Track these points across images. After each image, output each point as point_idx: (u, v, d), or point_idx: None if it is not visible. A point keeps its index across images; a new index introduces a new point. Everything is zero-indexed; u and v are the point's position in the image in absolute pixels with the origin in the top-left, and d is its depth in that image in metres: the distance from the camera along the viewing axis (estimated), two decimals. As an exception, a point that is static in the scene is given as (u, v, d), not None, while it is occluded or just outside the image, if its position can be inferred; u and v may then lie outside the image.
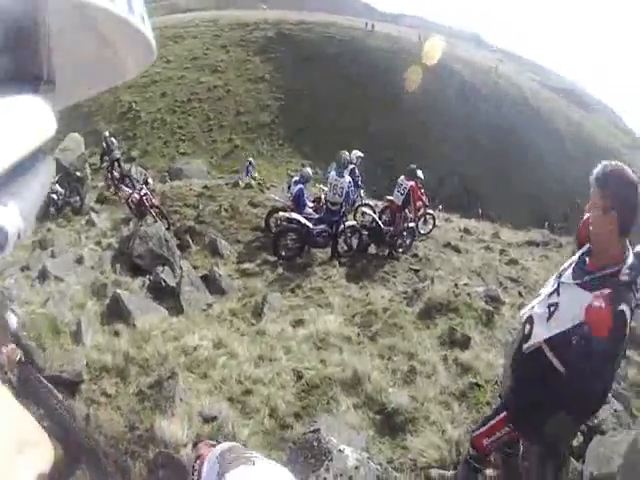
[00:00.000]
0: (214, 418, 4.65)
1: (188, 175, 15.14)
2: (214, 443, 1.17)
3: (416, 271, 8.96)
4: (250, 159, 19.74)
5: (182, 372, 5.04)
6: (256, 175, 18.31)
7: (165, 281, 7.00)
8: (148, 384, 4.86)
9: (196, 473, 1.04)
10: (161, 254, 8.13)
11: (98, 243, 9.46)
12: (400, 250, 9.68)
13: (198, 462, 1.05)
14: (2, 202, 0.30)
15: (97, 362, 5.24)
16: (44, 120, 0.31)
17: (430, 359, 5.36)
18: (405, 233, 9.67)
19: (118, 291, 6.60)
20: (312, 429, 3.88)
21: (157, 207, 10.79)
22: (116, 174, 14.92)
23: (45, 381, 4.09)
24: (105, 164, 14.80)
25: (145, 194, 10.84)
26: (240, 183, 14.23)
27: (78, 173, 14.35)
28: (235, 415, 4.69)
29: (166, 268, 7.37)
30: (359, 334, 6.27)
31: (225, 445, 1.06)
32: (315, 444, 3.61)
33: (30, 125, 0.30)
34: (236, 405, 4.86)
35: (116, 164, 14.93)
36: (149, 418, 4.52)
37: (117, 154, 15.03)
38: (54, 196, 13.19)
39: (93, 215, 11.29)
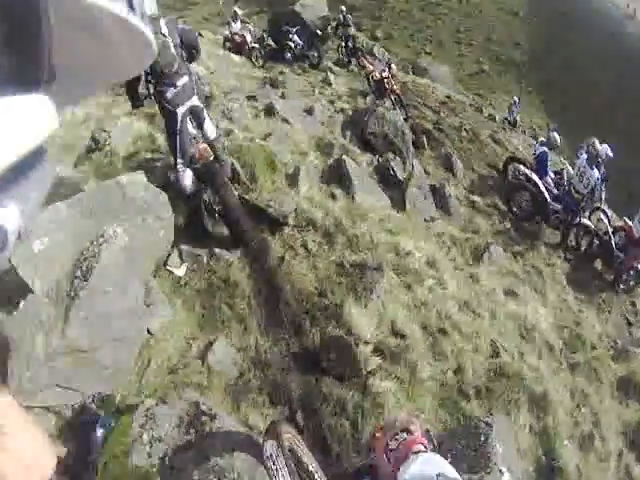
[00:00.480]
0: (403, 336, 4.09)
1: (432, 78, 13.91)
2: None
3: (629, 323, 7.22)
4: (515, 98, 17.76)
5: (388, 270, 4.46)
6: (517, 118, 16.60)
7: (394, 170, 6.30)
8: (352, 262, 4.40)
9: None
10: (394, 142, 7.41)
11: (331, 102, 9.08)
12: (621, 287, 7.82)
13: None
14: (2, 202, 0.30)
15: (306, 213, 4.94)
16: (44, 120, 0.32)
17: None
18: (632, 272, 7.75)
19: (345, 157, 6.13)
20: (485, 420, 3.32)
21: (397, 94, 9.93)
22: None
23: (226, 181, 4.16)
24: (339, 33, 14.15)
25: (387, 77, 10.02)
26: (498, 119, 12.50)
27: (319, 31, 14.00)
28: (422, 348, 4.04)
29: (397, 158, 6.68)
30: (561, 351, 5.38)
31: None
32: (480, 442, 3.17)
33: (30, 125, 0.31)
34: (427, 337, 4.18)
35: (350, 40, 14.15)
36: (341, 295, 4.12)
37: (351, 30, 14.15)
38: (291, 44, 13.12)
39: (330, 75, 10.91)
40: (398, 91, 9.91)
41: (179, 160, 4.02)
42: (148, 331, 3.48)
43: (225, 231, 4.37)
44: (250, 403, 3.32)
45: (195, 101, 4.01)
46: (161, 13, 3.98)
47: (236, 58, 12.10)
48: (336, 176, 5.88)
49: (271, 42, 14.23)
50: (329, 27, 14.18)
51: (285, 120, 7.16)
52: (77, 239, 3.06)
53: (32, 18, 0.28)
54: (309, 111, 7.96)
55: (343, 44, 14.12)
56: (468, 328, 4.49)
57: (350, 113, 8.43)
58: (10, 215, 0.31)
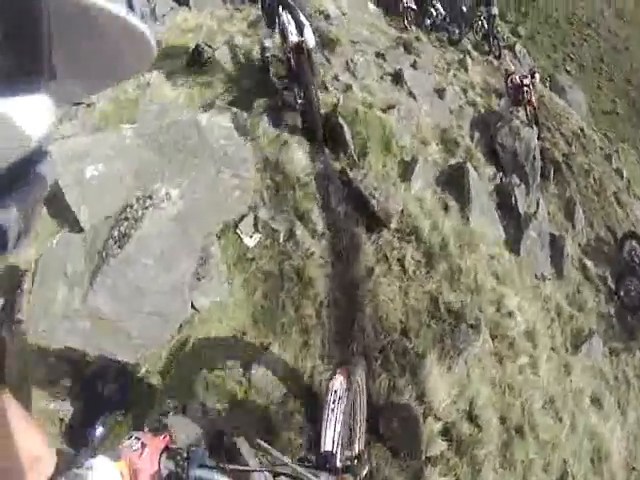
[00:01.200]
0: (478, 425, 3.27)
1: (568, 101, 12.20)
2: None
3: None
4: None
5: (485, 331, 3.57)
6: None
7: (516, 200, 5.24)
8: (449, 304, 3.51)
9: None
10: (523, 165, 6.26)
11: (464, 91, 7.86)
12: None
13: None
14: (2, 202, 0.30)
15: (413, 219, 4.04)
16: (44, 119, 0.31)
17: None
18: None
19: (468, 165, 5.10)
20: None
21: (533, 107, 8.56)
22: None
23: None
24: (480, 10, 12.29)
25: (528, 85, 8.62)
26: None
27: (464, 7, 12.35)
28: (493, 446, 3.22)
29: (522, 186, 5.60)
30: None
31: None
32: None
33: (30, 125, 0.30)
34: (502, 433, 3.34)
35: (491, 22, 12.31)
36: (426, 344, 3.28)
37: (494, 10, 12.23)
38: (433, 11, 11.60)
39: (468, 59, 9.54)
40: (535, 104, 8.54)
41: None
42: (193, 306, 2.76)
43: (299, 122, 4.36)
44: (284, 443, 2.59)
45: None
46: None
47: (372, 6, 10.81)
48: (454, 183, 4.90)
49: (412, 4, 12.73)
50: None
51: (412, 95, 6.09)
52: (137, 175, 2.34)
53: (32, 18, 0.28)
54: (440, 93, 6.83)
55: (482, 24, 12.41)
56: (546, 434, 3.61)
57: (482, 111, 7.24)
58: (10, 215, 0.30)
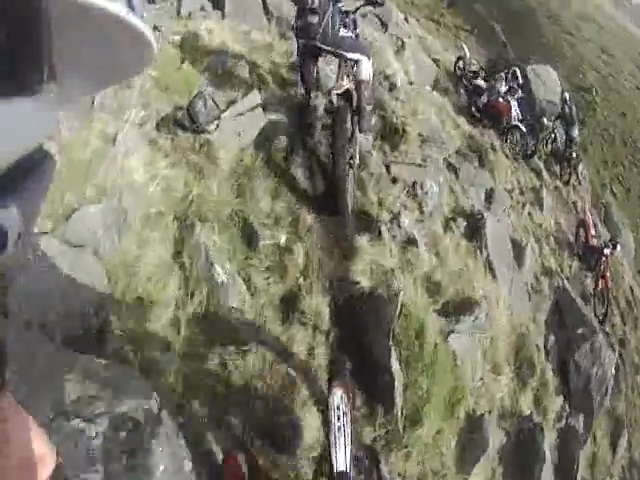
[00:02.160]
0: None
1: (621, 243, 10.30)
2: None
3: None
4: None
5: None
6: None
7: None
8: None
9: None
10: (590, 397, 4.46)
11: (537, 241, 6.00)
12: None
13: None
14: (2, 203, 0.30)
15: None
16: (44, 120, 0.32)
17: None
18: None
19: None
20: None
21: (606, 284, 6.91)
22: None
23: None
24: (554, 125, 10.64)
25: (606, 255, 7.13)
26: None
27: (545, 119, 10.64)
28: None
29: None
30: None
31: None
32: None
33: (30, 125, 0.31)
34: None
35: (566, 144, 10.62)
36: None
37: (575, 132, 10.58)
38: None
39: (544, 191, 7.79)
40: (609, 284, 6.78)
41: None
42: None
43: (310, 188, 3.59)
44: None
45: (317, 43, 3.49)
46: None
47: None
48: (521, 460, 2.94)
49: (481, 83, 10.87)
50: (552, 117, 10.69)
51: (491, 267, 4.14)
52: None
53: (32, 18, 0.28)
54: (519, 254, 4.93)
55: (555, 141, 10.59)
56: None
57: (555, 285, 5.34)
58: (10, 216, 0.30)
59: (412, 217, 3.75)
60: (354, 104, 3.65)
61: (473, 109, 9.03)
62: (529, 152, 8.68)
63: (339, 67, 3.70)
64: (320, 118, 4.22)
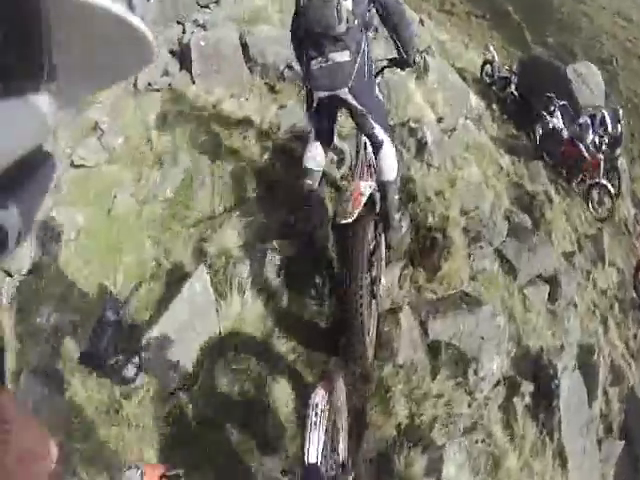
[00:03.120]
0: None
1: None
2: None
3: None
4: None
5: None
6: None
7: None
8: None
9: None
10: None
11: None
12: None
13: None
14: (2, 203, 0.30)
15: None
16: (44, 120, 0.31)
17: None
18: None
19: None
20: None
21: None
22: None
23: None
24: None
25: None
26: None
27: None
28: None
29: None
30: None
31: None
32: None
33: (30, 125, 0.30)
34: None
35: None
36: None
37: (619, 163, 8.84)
38: (549, 121, 8.27)
39: (605, 239, 6.28)
40: None
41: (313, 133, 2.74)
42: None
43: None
44: None
45: (344, 95, 2.56)
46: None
47: (475, 100, 7.43)
48: None
49: (515, 91, 9.33)
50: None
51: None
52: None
53: (32, 18, 0.28)
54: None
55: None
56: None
57: None
58: (10, 216, 0.30)
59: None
60: (376, 209, 2.76)
61: (544, 155, 7.39)
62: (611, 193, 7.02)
63: (357, 154, 2.81)
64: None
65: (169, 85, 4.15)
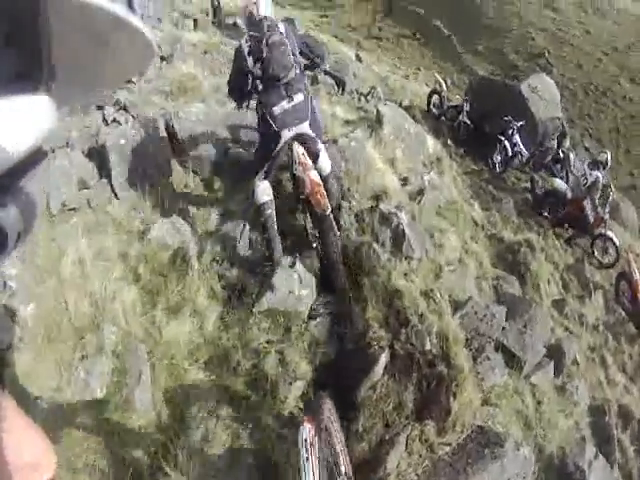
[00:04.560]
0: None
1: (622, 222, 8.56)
2: None
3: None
4: None
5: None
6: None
7: None
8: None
9: None
10: None
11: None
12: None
13: None
14: (1, 203, 0.30)
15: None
16: (44, 120, 0.32)
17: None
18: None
19: None
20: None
21: None
22: None
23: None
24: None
25: None
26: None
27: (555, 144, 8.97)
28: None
29: None
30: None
31: None
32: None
33: (30, 125, 0.30)
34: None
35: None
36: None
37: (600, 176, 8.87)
38: (508, 146, 8.12)
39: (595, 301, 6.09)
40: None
41: (261, 174, 3.22)
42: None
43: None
44: None
45: (305, 128, 3.16)
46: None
47: (431, 141, 7.18)
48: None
49: (467, 119, 9.22)
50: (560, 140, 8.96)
51: None
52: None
53: (32, 19, 0.27)
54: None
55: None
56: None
57: None
58: (10, 217, 0.30)
59: None
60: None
61: (544, 212, 7.12)
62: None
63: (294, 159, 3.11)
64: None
65: (88, 203, 3.48)
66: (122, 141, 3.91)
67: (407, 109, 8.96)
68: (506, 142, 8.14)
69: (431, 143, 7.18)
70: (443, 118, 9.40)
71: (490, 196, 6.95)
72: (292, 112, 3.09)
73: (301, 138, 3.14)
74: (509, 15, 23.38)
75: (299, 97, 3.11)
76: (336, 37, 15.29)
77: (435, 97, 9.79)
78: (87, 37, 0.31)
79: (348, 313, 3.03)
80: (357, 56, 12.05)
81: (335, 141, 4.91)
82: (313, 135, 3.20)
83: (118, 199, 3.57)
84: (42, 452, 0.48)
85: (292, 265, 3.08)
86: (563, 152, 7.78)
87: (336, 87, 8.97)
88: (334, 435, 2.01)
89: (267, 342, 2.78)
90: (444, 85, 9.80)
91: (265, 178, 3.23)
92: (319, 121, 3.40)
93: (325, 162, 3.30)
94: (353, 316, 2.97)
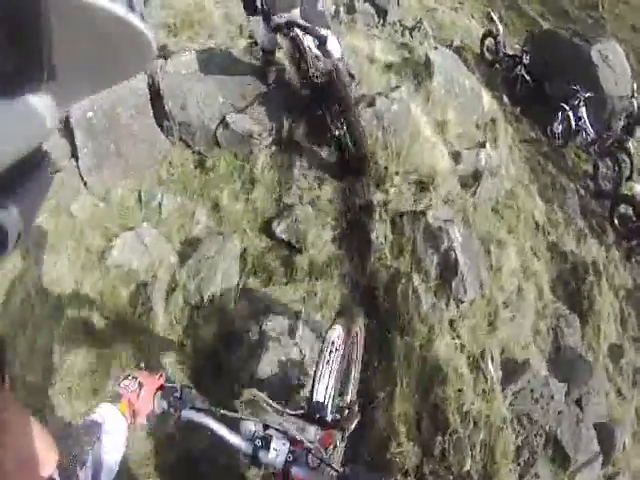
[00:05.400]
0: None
1: None
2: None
3: None
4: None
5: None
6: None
7: None
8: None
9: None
10: None
11: None
12: None
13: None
14: (1, 203, 0.30)
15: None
16: (44, 120, 0.31)
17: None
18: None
19: None
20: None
21: None
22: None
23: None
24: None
25: None
26: None
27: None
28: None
29: None
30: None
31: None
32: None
33: (30, 125, 0.30)
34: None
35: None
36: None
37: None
38: (571, 117, 6.60)
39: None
40: None
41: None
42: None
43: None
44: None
45: (296, 15, 3.19)
46: None
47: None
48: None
49: (526, 74, 7.64)
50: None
51: None
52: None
53: (32, 18, 0.27)
54: None
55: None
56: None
57: None
58: (10, 216, 0.30)
59: None
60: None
61: (616, 222, 5.67)
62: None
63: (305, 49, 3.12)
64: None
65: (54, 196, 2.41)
66: (89, 114, 2.73)
67: (458, 51, 7.35)
68: (570, 113, 6.66)
69: (487, 100, 5.73)
70: (497, 66, 7.78)
71: (550, 178, 5.68)
72: None
73: (298, 27, 3.12)
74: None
75: None
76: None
77: (489, 40, 8.07)
78: (87, 37, 0.30)
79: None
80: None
81: (371, 103, 3.57)
82: (311, 26, 3.14)
83: (87, 187, 2.44)
84: (44, 448, 0.46)
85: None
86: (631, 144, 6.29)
87: (376, 17, 7.27)
88: (355, 355, 1.91)
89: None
90: (500, 27, 7.98)
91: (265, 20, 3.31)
92: (321, 15, 3.39)
93: (334, 45, 3.15)
94: (375, 415, 1.93)
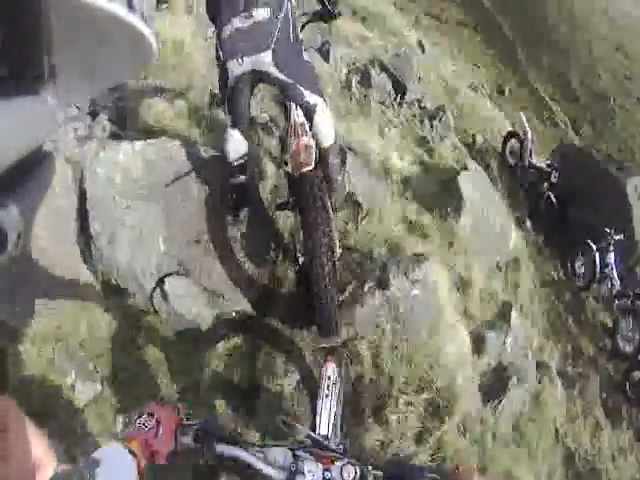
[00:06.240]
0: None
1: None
2: None
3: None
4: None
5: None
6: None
7: None
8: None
9: None
10: None
11: None
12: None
13: None
14: (2, 203, 0.29)
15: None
16: (45, 120, 0.31)
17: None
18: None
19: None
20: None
21: None
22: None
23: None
24: None
25: None
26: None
27: None
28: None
29: None
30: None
31: None
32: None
33: (30, 125, 0.30)
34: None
35: None
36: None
37: None
38: (605, 268, 5.68)
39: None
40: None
41: (229, 123, 2.36)
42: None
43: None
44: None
45: (266, 64, 2.11)
46: None
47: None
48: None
49: (552, 196, 6.78)
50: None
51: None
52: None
53: (32, 18, 0.27)
54: None
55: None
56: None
57: None
58: (10, 216, 0.29)
59: None
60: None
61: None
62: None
63: (289, 119, 2.29)
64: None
65: None
66: None
67: (481, 154, 6.42)
68: (597, 254, 5.74)
69: (514, 237, 4.73)
70: (520, 177, 6.85)
71: (571, 341, 4.70)
72: (247, 34, 2.11)
73: (269, 81, 2.19)
74: (579, 41, 20.52)
75: (262, 13, 2.12)
76: (394, 5, 12.36)
77: (514, 141, 7.15)
78: (87, 37, 0.30)
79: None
80: (420, 44, 9.25)
81: (384, 284, 2.43)
82: (289, 80, 2.15)
83: None
84: (43, 452, 0.47)
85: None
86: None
87: (393, 93, 6.22)
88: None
89: None
90: (529, 130, 7.02)
91: (235, 126, 2.30)
92: (307, 70, 2.29)
93: (324, 126, 2.25)
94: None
